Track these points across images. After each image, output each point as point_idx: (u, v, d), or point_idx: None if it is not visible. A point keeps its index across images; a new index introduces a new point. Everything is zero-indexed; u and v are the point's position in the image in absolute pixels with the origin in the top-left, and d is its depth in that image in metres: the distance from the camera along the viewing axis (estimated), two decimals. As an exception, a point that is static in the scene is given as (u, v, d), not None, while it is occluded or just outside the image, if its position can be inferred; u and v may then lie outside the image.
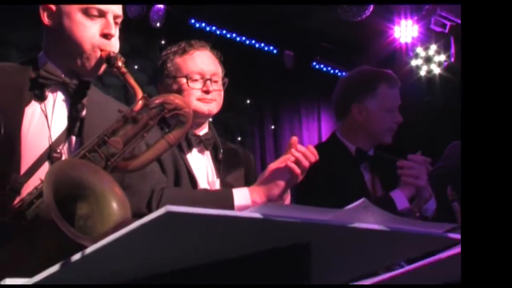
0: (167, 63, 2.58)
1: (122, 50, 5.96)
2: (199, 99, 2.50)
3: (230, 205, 2.31)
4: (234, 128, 6.55)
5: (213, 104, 2.53)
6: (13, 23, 4.93)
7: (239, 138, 6.63)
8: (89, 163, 1.76)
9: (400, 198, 2.77)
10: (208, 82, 2.52)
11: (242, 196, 2.33)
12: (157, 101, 1.87)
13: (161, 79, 2.60)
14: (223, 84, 2.59)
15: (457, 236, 1.44)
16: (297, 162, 2.29)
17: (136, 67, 5.93)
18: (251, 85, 6.52)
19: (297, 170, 2.29)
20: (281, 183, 2.34)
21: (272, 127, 7.03)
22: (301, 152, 2.30)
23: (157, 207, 2.23)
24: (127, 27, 5.54)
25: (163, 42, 5.87)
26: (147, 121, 1.86)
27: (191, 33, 6.03)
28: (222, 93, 2.59)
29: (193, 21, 6.11)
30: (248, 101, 6.73)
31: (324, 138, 7.33)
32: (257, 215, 1.14)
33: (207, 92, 2.51)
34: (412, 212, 2.35)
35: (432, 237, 1.42)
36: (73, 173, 1.66)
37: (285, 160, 2.32)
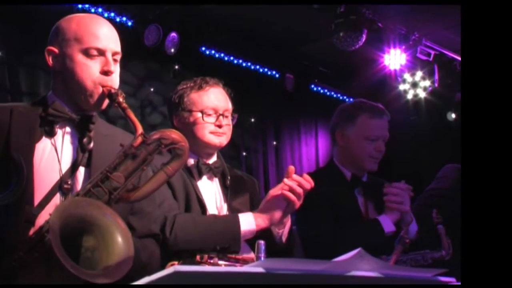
0: (183, 97, 2.52)
1: (139, 75, 5.94)
2: (211, 132, 2.47)
3: (237, 230, 2.27)
4: (240, 144, 6.49)
5: (223, 137, 2.50)
6: (41, 49, 4.88)
7: (244, 153, 6.58)
8: (92, 200, 1.71)
9: (386, 222, 2.73)
10: (221, 117, 2.48)
11: (247, 221, 2.30)
12: (154, 137, 1.81)
13: (177, 111, 2.54)
14: (233, 119, 2.55)
15: (446, 279, 1.39)
16: (291, 190, 2.26)
17: (152, 89, 5.90)
18: (255, 105, 6.47)
19: (292, 197, 2.27)
20: (281, 208, 2.30)
21: (274, 143, 6.97)
22: (295, 181, 2.28)
23: (170, 233, 2.21)
24: (144, 54, 5.56)
25: (176, 67, 5.84)
26: (145, 156, 1.81)
27: (201, 59, 6.01)
28: (231, 127, 2.54)
29: (203, 48, 6.06)
30: (252, 120, 6.67)
31: (321, 153, 7.29)
32: (260, 269, 1.08)
33: (219, 126, 2.47)
34: (402, 239, 2.28)
35: (423, 281, 1.36)
36: (78, 211, 1.62)
37: (282, 188, 2.28)
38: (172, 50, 5.58)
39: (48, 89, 5.20)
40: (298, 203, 2.29)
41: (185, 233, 2.22)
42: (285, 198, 2.28)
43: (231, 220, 2.30)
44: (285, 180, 2.27)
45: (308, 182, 2.29)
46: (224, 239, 2.22)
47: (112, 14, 5.28)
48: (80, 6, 5.04)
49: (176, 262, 2.03)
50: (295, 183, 2.27)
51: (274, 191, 2.31)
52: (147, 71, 5.88)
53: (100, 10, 5.20)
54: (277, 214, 2.30)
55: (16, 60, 5.00)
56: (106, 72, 1.92)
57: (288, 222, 2.43)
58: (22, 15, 4.83)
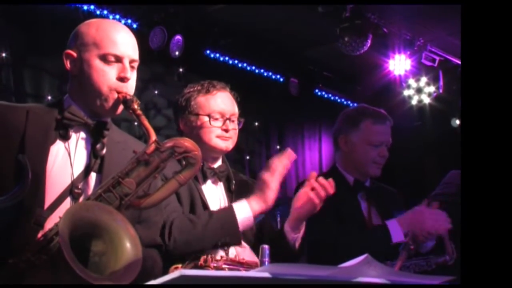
0: (190, 101, 2.50)
1: (144, 77, 5.94)
2: (218, 136, 2.45)
3: (234, 221, 2.22)
4: (244, 148, 6.49)
5: (230, 141, 2.48)
6: (46, 51, 4.90)
7: (247, 157, 6.57)
8: (103, 204, 1.69)
9: (396, 230, 2.62)
10: (228, 121, 2.46)
11: (242, 209, 2.25)
12: (168, 145, 1.80)
13: (183, 114, 2.53)
14: (239, 123, 2.53)
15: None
16: (316, 193, 2.27)
17: (156, 92, 5.90)
18: (259, 109, 6.47)
19: (317, 200, 2.27)
20: (274, 190, 2.25)
21: (278, 147, 6.96)
22: (321, 184, 2.28)
23: (169, 238, 2.18)
24: (149, 57, 5.57)
25: (181, 70, 5.84)
26: (158, 163, 1.79)
27: (206, 63, 6.01)
28: (237, 131, 2.53)
29: (208, 51, 6.07)
30: (256, 124, 6.68)
31: (324, 157, 7.28)
32: (266, 274, 1.07)
33: (226, 130, 2.45)
34: (407, 246, 2.25)
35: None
36: (88, 214, 1.61)
37: (307, 189, 2.28)
38: (177, 53, 5.59)
39: (52, 90, 5.18)
40: (319, 207, 2.30)
41: (184, 235, 2.19)
42: (310, 201, 2.28)
43: (227, 213, 2.26)
44: (313, 181, 2.28)
45: (331, 187, 2.30)
46: (223, 233, 2.20)
47: (117, 17, 5.28)
48: (85, 7, 5.05)
49: (179, 266, 2.01)
50: (320, 187, 2.27)
51: (267, 175, 2.25)
52: (151, 74, 5.88)
53: (105, 12, 5.20)
54: (271, 195, 2.25)
55: (21, 61, 5.01)
56: (122, 79, 1.92)
57: (303, 227, 2.41)
58: (27, 16, 4.84)
